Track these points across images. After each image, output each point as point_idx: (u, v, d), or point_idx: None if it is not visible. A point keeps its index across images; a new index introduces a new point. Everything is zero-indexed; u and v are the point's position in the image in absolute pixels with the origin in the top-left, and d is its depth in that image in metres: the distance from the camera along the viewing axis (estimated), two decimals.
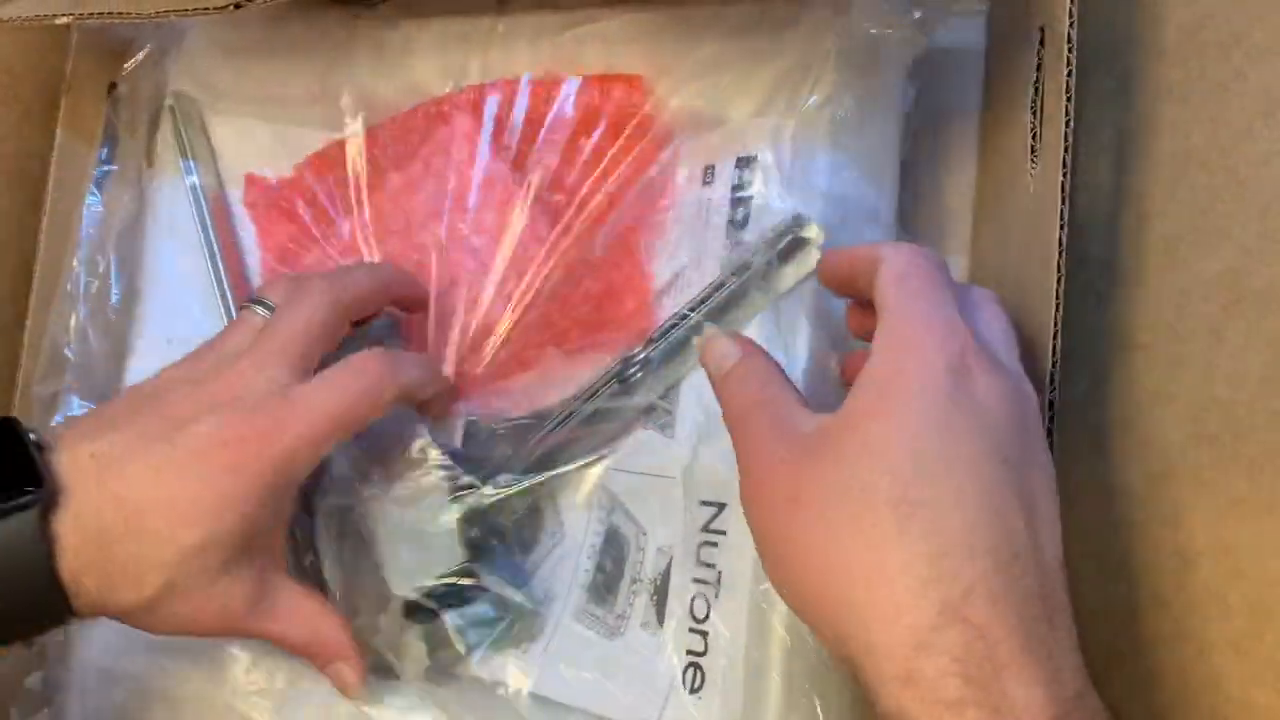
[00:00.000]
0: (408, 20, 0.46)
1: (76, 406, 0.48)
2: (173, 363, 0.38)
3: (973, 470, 0.28)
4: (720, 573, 0.37)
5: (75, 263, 0.49)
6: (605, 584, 0.39)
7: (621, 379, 0.40)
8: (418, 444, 0.40)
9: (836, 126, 0.39)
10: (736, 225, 0.40)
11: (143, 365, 0.47)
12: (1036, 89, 0.35)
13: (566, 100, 0.43)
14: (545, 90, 0.44)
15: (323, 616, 0.37)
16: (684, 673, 0.37)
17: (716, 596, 0.37)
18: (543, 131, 0.43)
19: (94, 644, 0.45)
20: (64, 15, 0.35)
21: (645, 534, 0.39)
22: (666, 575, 0.38)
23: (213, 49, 0.48)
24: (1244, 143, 0.35)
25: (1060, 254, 0.32)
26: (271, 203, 0.48)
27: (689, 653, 0.37)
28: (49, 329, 0.48)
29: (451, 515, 0.39)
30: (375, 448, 0.40)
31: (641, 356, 0.40)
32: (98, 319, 0.49)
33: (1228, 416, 0.34)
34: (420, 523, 0.39)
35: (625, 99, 0.42)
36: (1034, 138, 0.36)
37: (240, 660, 0.42)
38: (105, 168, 0.50)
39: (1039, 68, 0.35)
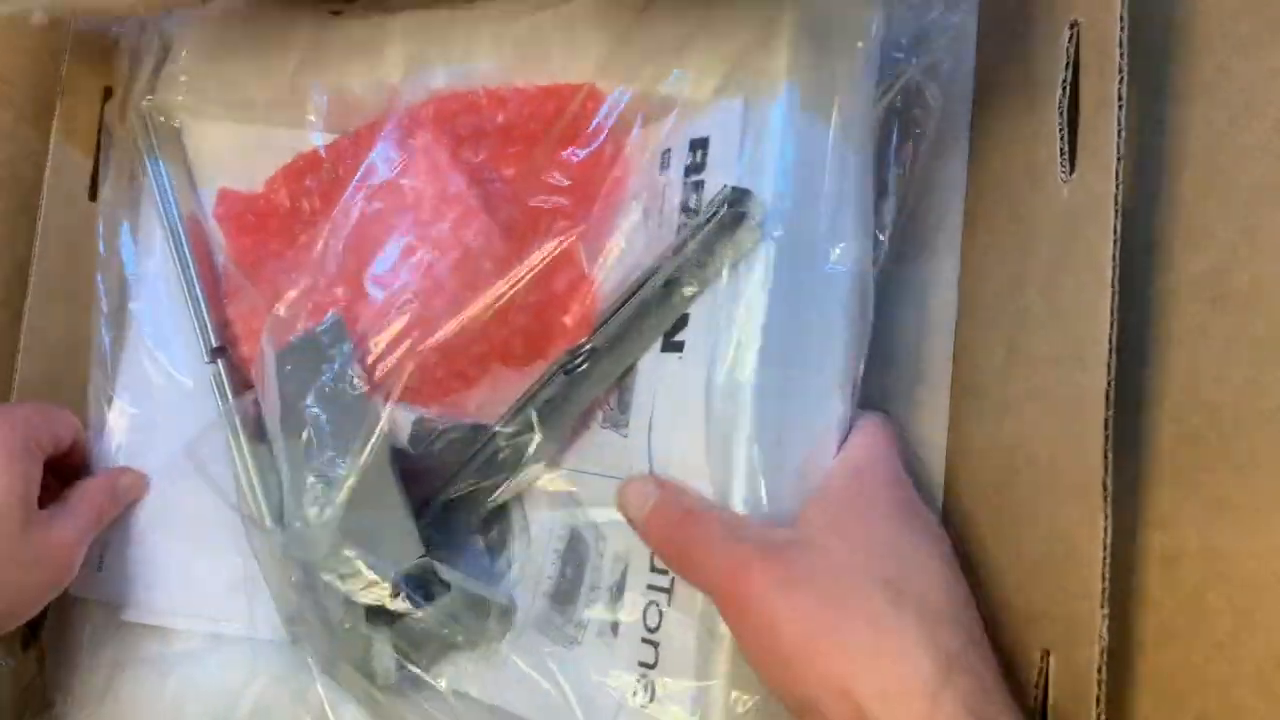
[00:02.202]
0: (378, 14, 0.46)
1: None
2: None
3: (934, 558, 0.34)
4: (673, 580, 0.36)
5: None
6: (566, 591, 0.39)
7: (567, 370, 0.39)
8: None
9: (792, 101, 0.37)
10: (690, 211, 0.38)
11: (133, 357, 0.49)
12: (1064, 88, 0.35)
13: (522, 110, 0.43)
14: (501, 100, 0.44)
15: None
16: (636, 684, 0.36)
17: (668, 604, 0.36)
18: (497, 143, 0.43)
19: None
20: (39, 10, 0.35)
21: (604, 539, 0.38)
22: (622, 583, 0.37)
23: (198, 53, 0.48)
24: (1228, 139, 0.34)
25: (1114, 268, 0.32)
26: (241, 216, 0.49)
27: (640, 665, 0.36)
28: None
29: (405, 508, 0.39)
30: (336, 439, 0.40)
31: (587, 347, 0.39)
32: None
33: (1214, 417, 0.34)
34: (377, 521, 0.39)
35: (579, 105, 0.42)
36: (1062, 139, 0.35)
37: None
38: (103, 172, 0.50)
39: (1069, 66, 0.34)
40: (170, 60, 0.48)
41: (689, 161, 0.39)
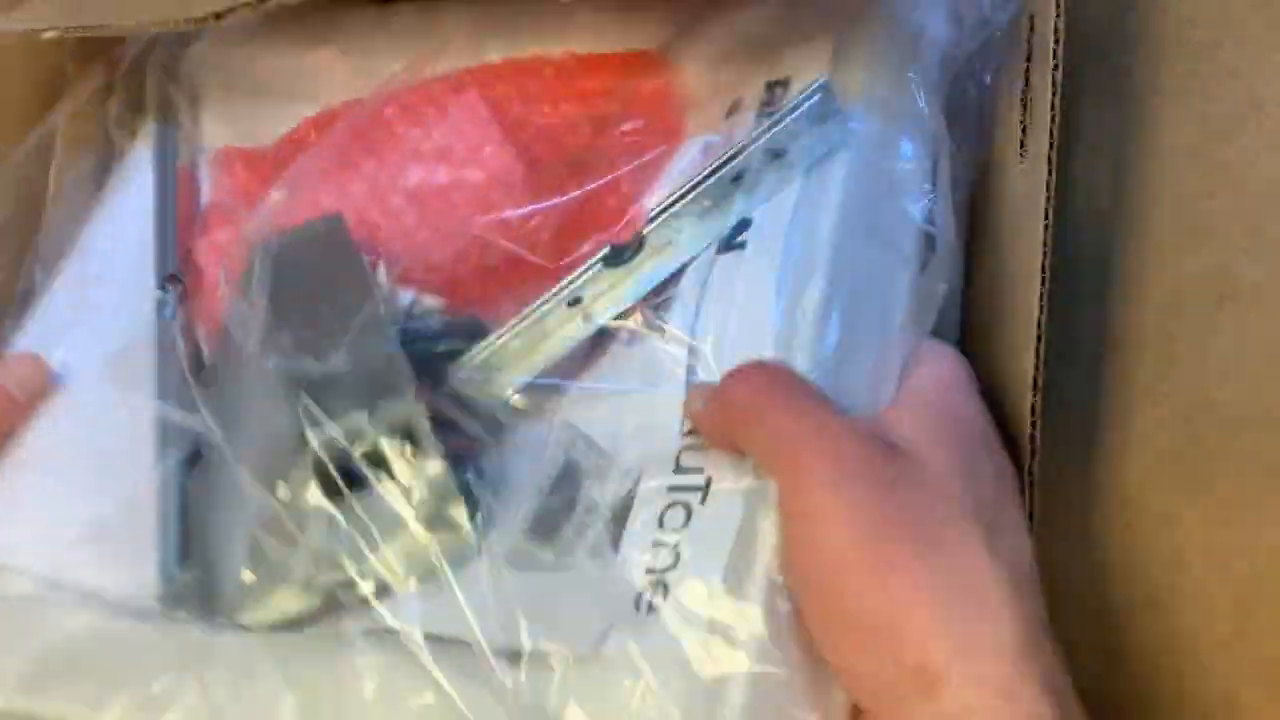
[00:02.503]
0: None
1: None
2: None
3: (1020, 512, 0.31)
4: (709, 480, 0.31)
5: None
6: (550, 521, 0.33)
7: (610, 261, 0.35)
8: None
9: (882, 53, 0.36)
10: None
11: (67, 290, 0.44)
12: (1027, 80, 0.35)
13: (575, 80, 0.41)
14: (553, 70, 0.41)
15: None
16: (642, 592, 0.30)
17: (702, 501, 0.31)
18: (548, 117, 0.40)
19: None
20: (50, 30, 0.35)
21: (610, 461, 0.33)
22: (630, 495, 0.32)
23: (226, 42, 0.46)
24: (1234, 139, 0.34)
25: (1045, 255, 0.31)
26: (237, 167, 0.45)
27: (650, 572, 0.30)
28: None
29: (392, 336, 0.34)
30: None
31: (639, 234, 0.35)
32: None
33: (1219, 416, 0.34)
34: (355, 347, 0.33)
35: (642, 75, 0.40)
36: (1023, 131, 0.35)
37: None
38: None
39: (1029, 58, 0.35)
40: (197, 40, 0.46)
41: (764, 99, 0.37)
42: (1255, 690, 0.32)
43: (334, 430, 0.32)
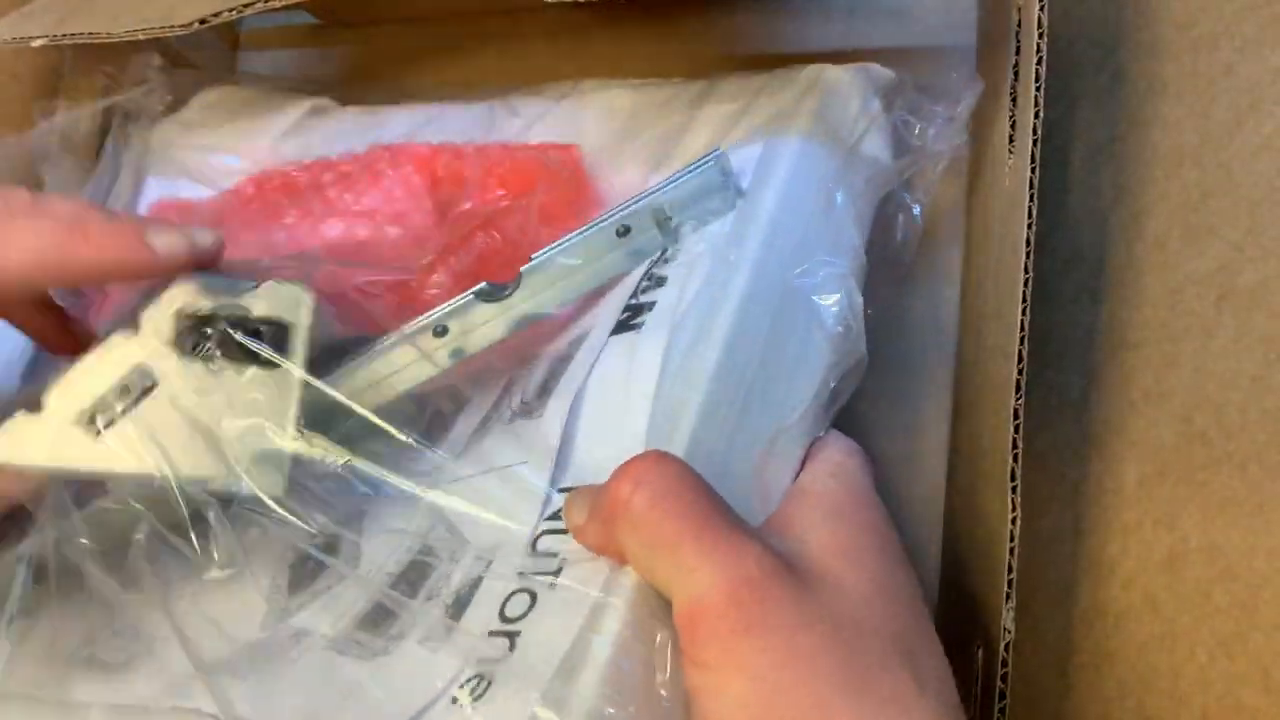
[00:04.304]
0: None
1: None
2: None
3: (924, 607, 0.28)
4: (564, 560, 0.29)
5: None
6: (387, 611, 0.31)
7: (484, 296, 0.33)
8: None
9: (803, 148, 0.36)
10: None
11: None
12: (1016, 74, 0.35)
13: (504, 163, 0.41)
14: (485, 154, 0.42)
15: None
16: (464, 683, 0.27)
17: (553, 586, 0.28)
18: (473, 198, 0.41)
19: None
20: (40, 37, 0.35)
21: (466, 544, 0.31)
22: (478, 581, 0.30)
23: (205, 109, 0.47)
24: (1234, 138, 0.34)
25: (1027, 253, 0.30)
26: (175, 215, 0.45)
27: (481, 661, 0.28)
28: None
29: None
30: None
31: (518, 271, 0.34)
32: None
33: (1219, 416, 0.34)
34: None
35: (559, 158, 0.41)
36: (1012, 126, 0.35)
37: None
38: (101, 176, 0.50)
39: (1017, 52, 0.34)
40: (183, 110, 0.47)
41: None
42: (1255, 690, 0.32)
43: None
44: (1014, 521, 0.29)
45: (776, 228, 0.34)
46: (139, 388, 0.31)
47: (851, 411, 0.34)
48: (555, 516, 0.30)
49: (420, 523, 0.32)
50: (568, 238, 0.34)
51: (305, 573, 0.32)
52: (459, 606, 0.29)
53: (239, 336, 0.31)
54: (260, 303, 0.32)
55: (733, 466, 0.30)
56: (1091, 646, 0.35)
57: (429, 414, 0.34)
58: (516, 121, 0.44)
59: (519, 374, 0.35)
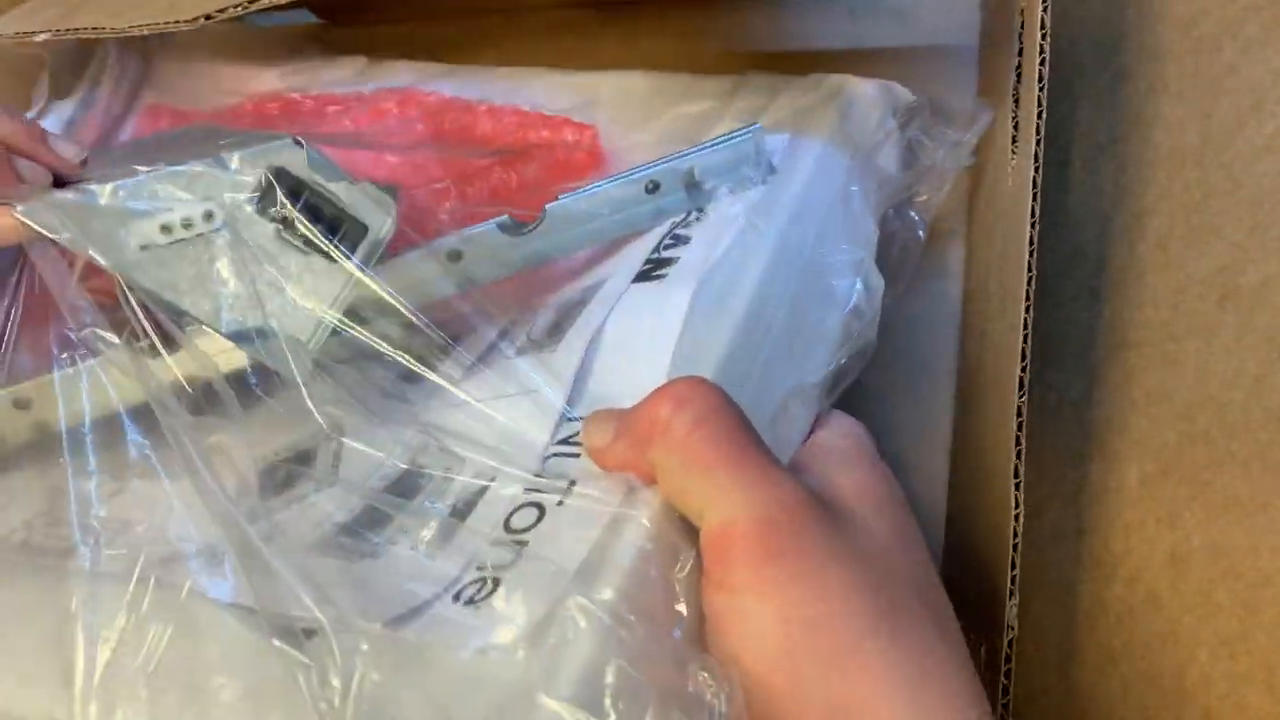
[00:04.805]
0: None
1: None
2: None
3: (934, 569, 0.28)
4: (574, 482, 0.28)
5: None
6: (377, 515, 0.29)
7: (504, 227, 0.33)
8: None
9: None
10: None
11: None
12: (1019, 74, 0.35)
13: (511, 124, 0.42)
14: (495, 117, 0.42)
15: None
16: (466, 585, 0.26)
17: (563, 502, 0.27)
18: (478, 143, 0.41)
19: None
20: (43, 33, 0.35)
21: (462, 463, 0.30)
22: (480, 491, 0.29)
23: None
24: (1236, 138, 0.34)
25: (1031, 252, 0.30)
26: (167, 119, 0.44)
27: (479, 568, 0.26)
28: None
29: None
30: None
31: (540, 211, 0.33)
32: None
33: (1222, 415, 0.34)
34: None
35: (576, 136, 0.41)
36: (1015, 127, 0.35)
37: None
38: None
39: (1020, 53, 0.35)
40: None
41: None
42: (1258, 689, 0.32)
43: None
44: (1017, 519, 0.29)
45: (803, 206, 0.35)
46: (202, 222, 0.31)
47: (855, 409, 0.34)
48: (567, 441, 0.29)
49: (409, 441, 0.30)
50: (597, 184, 0.34)
51: (276, 479, 0.31)
52: (456, 517, 0.28)
53: (306, 228, 0.31)
54: (352, 194, 0.32)
55: (751, 416, 0.28)
56: (1094, 645, 0.35)
57: (421, 342, 0.33)
58: (533, 92, 0.43)
59: (521, 316, 0.34)
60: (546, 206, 0.33)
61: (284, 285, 0.31)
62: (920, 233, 0.39)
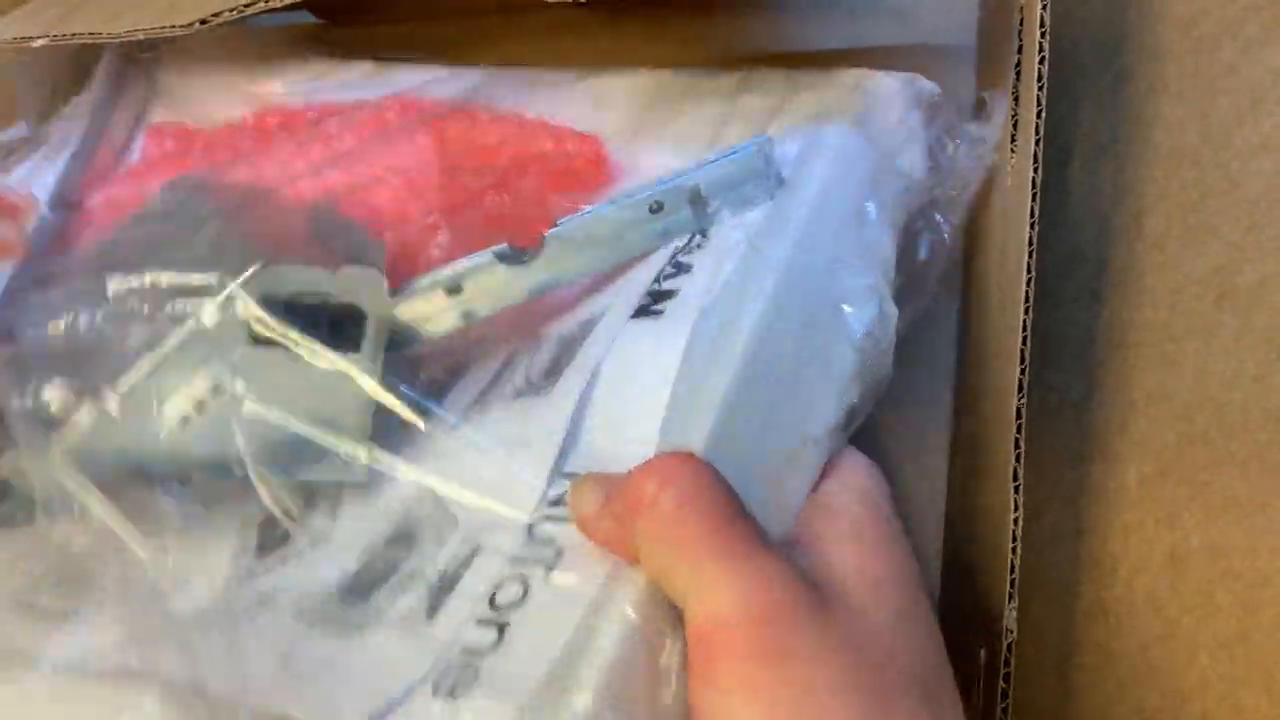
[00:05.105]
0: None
1: None
2: None
3: (938, 637, 0.27)
4: (562, 549, 0.27)
5: None
6: (365, 584, 0.29)
7: (502, 256, 0.32)
8: None
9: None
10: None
11: None
12: (1018, 73, 0.35)
13: (517, 135, 0.40)
14: (498, 126, 0.41)
15: None
16: (448, 669, 0.25)
17: (548, 572, 0.26)
18: (480, 157, 0.39)
19: None
20: (41, 38, 0.35)
21: (455, 524, 0.29)
22: (466, 561, 0.28)
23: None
24: (1234, 138, 0.34)
25: (1030, 252, 0.30)
26: (171, 140, 0.44)
27: (464, 651, 0.25)
28: None
29: None
30: None
31: (540, 236, 0.32)
32: None
33: (1220, 416, 0.34)
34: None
35: (580, 147, 0.39)
36: (1014, 127, 0.35)
37: None
38: None
39: (1019, 51, 0.34)
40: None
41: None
42: (1255, 690, 0.32)
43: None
44: (1016, 522, 0.29)
45: (812, 227, 0.33)
46: (212, 386, 0.30)
47: None
48: (558, 502, 0.28)
49: (405, 494, 0.30)
50: (597, 206, 0.33)
51: (275, 536, 0.30)
52: (444, 587, 0.27)
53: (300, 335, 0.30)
54: (339, 282, 0.31)
55: (750, 472, 0.28)
56: (1093, 647, 0.35)
57: (421, 380, 0.32)
58: (536, 96, 0.42)
59: (521, 350, 0.33)
60: (546, 233, 0.32)
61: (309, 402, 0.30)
62: (946, 236, 0.37)
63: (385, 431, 0.30)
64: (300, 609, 0.28)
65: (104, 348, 0.30)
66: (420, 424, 0.30)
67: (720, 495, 0.25)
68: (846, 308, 0.33)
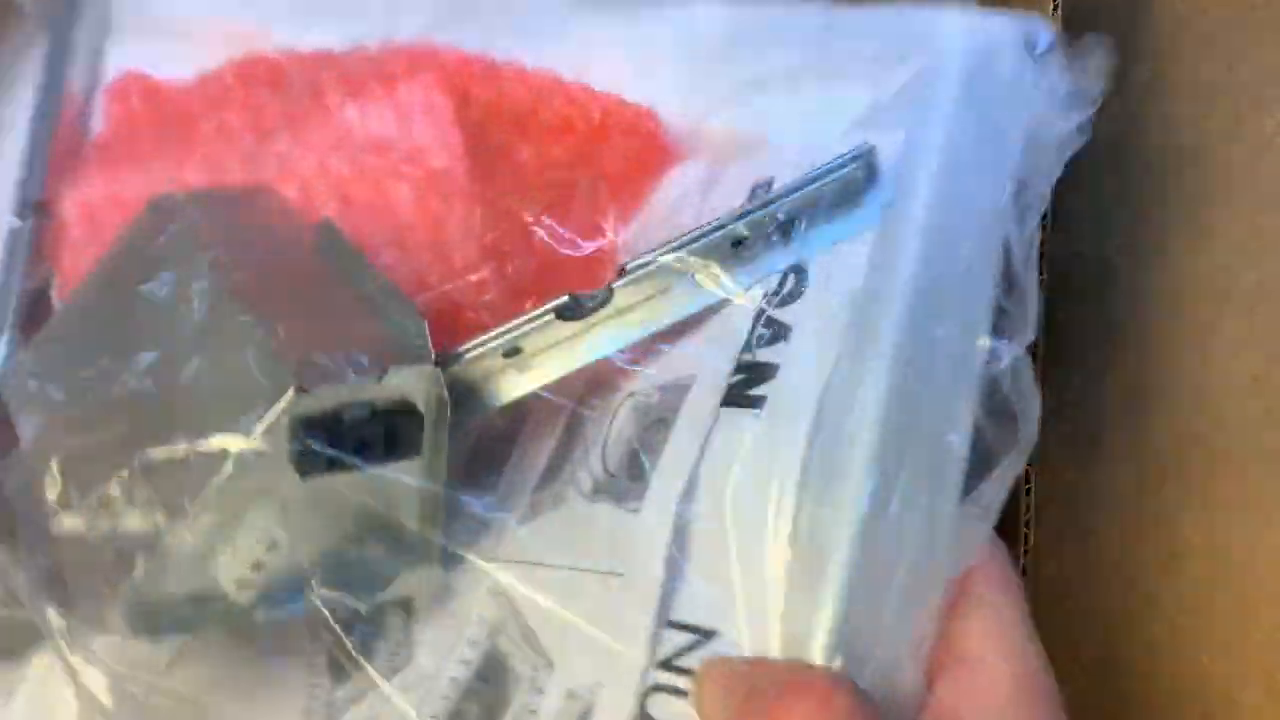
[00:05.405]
0: None
1: None
2: None
3: None
4: None
5: None
6: None
7: (563, 314, 0.27)
8: None
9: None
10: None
11: None
12: None
13: (558, 101, 0.34)
14: (535, 84, 0.35)
15: None
16: None
17: None
18: (509, 133, 0.34)
19: None
20: None
21: (550, 667, 0.25)
22: None
23: None
24: (1233, 138, 0.34)
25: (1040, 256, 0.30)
26: (139, 100, 0.38)
27: None
28: None
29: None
30: None
31: (603, 288, 0.27)
32: None
33: (1219, 417, 0.34)
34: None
35: (633, 122, 0.33)
36: None
37: None
38: None
39: None
40: None
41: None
42: (1255, 691, 0.32)
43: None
44: (1027, 524, 0.29)
45: (930, 263, 0.27)
46: (268, 543, 0.26)
47: None
48: (668, 665, 0.24)
49: (485, 609, 0.26)
50: (666, 245, 0.28)
51: (346, 672, 0.27)
52: None
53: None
54: (384, 385, 0.26)
55: (885, 621, 0.24)
56: (1091, 648, 0.35)
57: (465, 453, 0.28)
58: (570, 39, 0.35)
59: (585, 416, 0.29)
60: (613, 286, 0.28)
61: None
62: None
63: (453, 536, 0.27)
64: None
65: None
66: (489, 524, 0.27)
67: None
68: (971, 364, 0.26)
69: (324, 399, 0.25)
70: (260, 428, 0.25)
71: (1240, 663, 0.32)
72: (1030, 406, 0.26)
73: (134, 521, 0.25)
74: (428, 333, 0.27)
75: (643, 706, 0.24)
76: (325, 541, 0.26)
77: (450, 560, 0.27)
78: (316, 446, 0.25)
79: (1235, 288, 0.34)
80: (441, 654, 0.26)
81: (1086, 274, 0.37)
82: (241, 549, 0.25)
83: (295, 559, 0.26)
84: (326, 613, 0.26)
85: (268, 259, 0.29)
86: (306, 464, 0.25)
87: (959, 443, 0.26)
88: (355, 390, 0.26)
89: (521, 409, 0.29)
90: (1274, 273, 0.33)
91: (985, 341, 0.26)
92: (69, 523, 0.26)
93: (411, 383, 0.26)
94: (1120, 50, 0.37)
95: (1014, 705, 0.24)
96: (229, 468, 0.25)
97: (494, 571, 0.26)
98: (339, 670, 0.27)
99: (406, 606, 0.27)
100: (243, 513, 0.25)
